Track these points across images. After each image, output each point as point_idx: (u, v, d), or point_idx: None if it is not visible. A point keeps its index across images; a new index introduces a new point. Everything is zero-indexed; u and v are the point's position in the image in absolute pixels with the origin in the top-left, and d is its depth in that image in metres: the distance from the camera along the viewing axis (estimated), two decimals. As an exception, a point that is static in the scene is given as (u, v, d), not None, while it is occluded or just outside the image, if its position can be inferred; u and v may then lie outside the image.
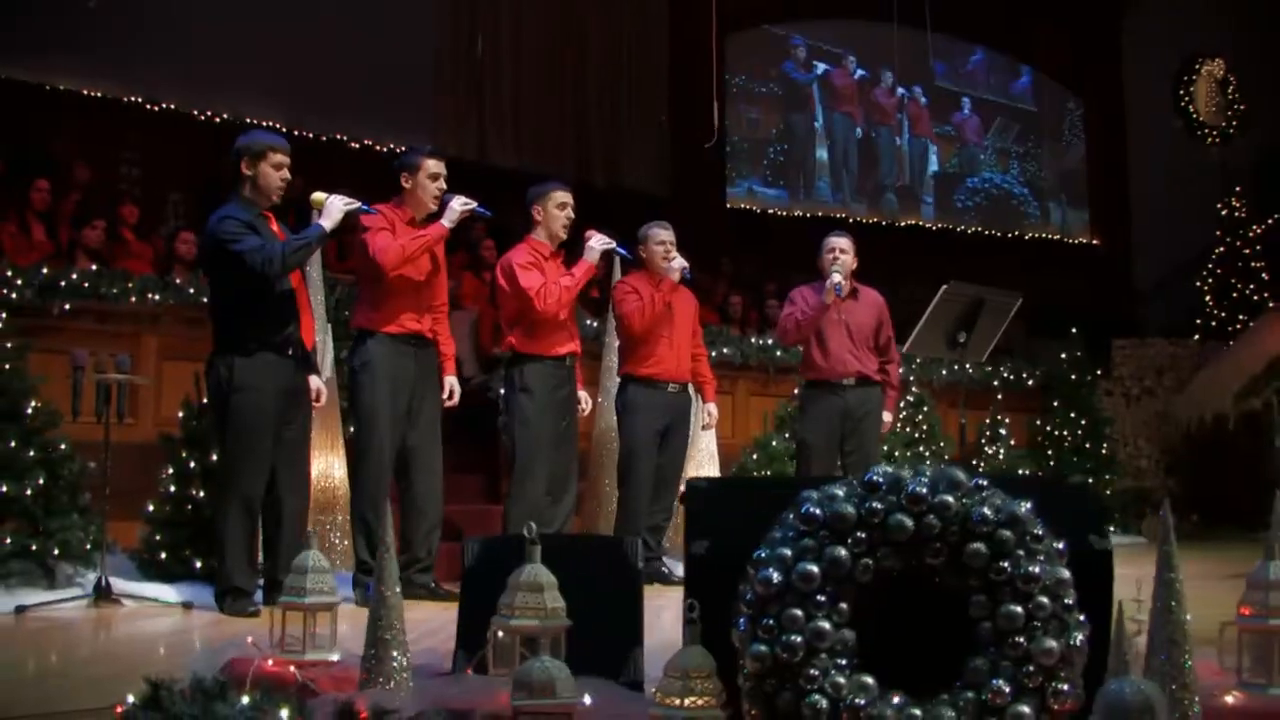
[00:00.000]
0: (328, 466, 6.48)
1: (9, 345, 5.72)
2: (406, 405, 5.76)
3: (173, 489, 5.91)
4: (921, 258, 13.57)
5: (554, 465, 6.15)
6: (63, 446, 5.77)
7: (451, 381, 6.00)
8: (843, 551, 2.36)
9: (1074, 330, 10.29)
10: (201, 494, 5.84)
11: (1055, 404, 10.12)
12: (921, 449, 8.86)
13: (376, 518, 5.75)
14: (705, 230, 13.69)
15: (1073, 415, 10.02)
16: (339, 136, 12.67)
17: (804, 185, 15.43)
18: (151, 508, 5.93)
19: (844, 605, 2.36)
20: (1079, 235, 16.44)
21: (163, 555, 5.82)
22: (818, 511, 2.39)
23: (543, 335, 6.06)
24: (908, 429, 8.96)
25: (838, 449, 6.59)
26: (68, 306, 6.36)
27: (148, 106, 11.25)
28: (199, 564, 5.80)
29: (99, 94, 10.97)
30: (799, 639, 2.32)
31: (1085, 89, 16.34)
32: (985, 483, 2.43)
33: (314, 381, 5.61)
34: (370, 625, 2.86)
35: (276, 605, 3.21)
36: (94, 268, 6.66)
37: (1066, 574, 2.35)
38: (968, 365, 9.94)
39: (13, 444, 5.58)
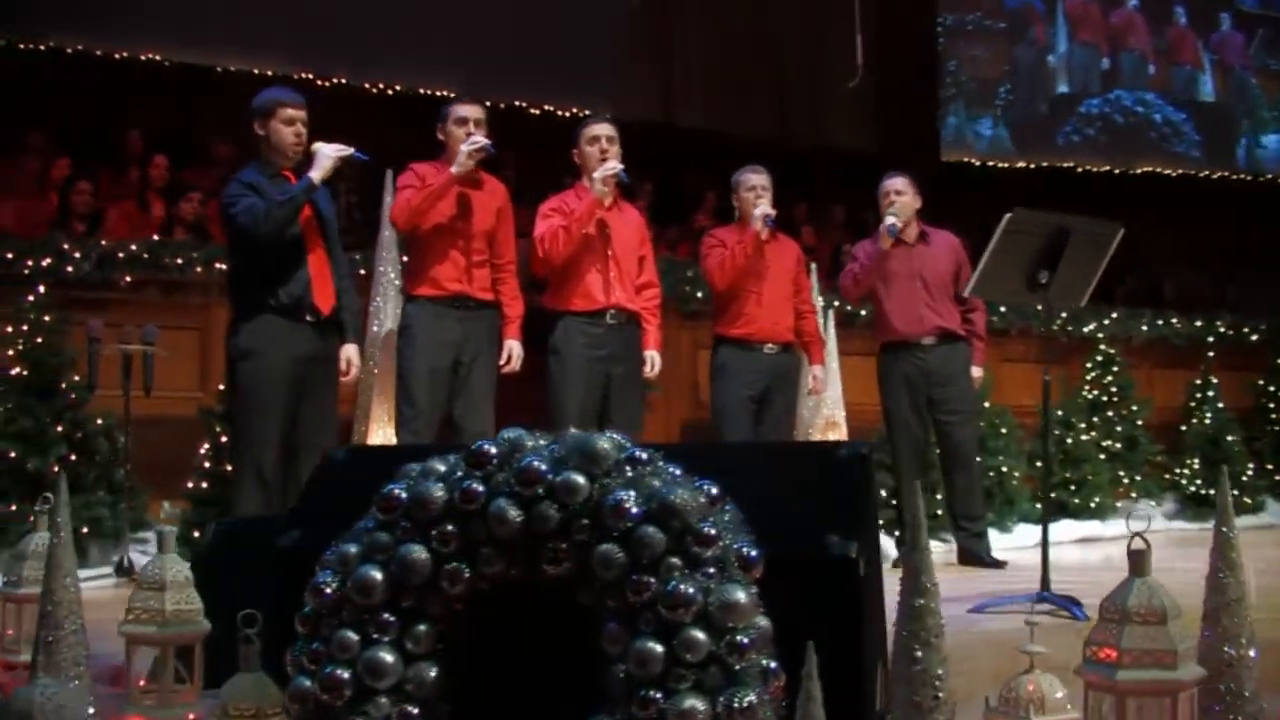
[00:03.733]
0: (386, 440, 6.07)
1: (46, 319, 5.56)
2: (450, 373, 5.24)
3: (207, 465, 5.65)
4: (1177, 209, 11.91)
5: None
6: (99, 421, 5.59)
7: (511, 345, 5.43)
8: (421, 551, 1.63)
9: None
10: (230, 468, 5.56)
11: (1280, 362, 8.56)
12: (1110, 414, 7.61)
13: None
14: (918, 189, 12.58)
15: (1303, 375, 8.44)
16: (519, 103, 12.36)
17: (1032, 130, 13.89)
18: (191, 484, 5.69)
19: (423, 628, 1.63)
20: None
21: (196, 534, 5.57)
22: (402, 494, 1.67)
23: (570, 287, 5.36)
24: (1094, 391, 7.72)
25: (928, 417, 5.68)
26: (128, 279, 6.19)
27: (318, 83, 11.26)
28: (233, 542, 5.52)
29: (269, 72, 11.07)
30: (346, 673, 1.61)
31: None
32: (646, 455, 1.63)
33: (346, 350, 5.15)
34: (38, 623, 2.34)
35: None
36: (155, 238, 6.49)
37: (742, 597, 1.52)
38: (1174, 320, 8.51)
39: (51, 420, 5.45)
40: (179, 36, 10.42)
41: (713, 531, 1.56)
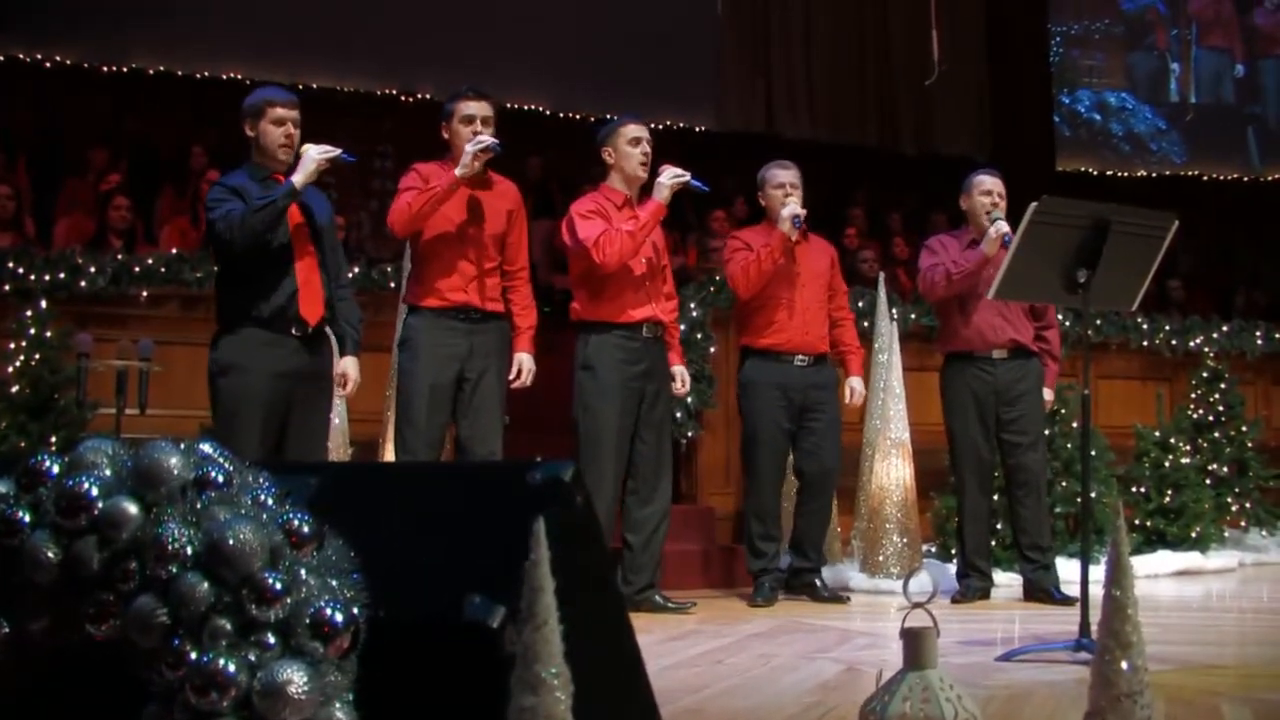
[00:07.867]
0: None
1: (48, 335, 5.41)
2: (455, 389, 4.86)
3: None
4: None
5: (639, 458, 5.07)
6: (102, 441, 5.41)
7: (522, 358, 5.03)
8: (-56, 602, 1.25)
9: None
10: (232, 490, 5.31)
11: None
12: (1217, 434, 6.85)
13: None
14: (1031, 198, 11.85)
15: None
16: (610, 117, 12.00)
17: (1152, 138, 12.91)
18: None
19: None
20: None
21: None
22: (-60, 524, 1.29)
23: (610, 297, 4.99)
24: (1200, 410, 6.96)
25: (993, 437, 5.18)
26: (145, 294, 6.03)
27: (403, 99, 11.17)
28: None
29: (354, 89, 11.02)
30: None
31: None
32: (225, 475, 1.20)
33: (343, 364, 4.80)
34: None
35: None
36: (175, 251, 6.32)
37: (296, 681, 1.08)
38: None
39: (44, 439, 5.28)
40: (260, 56, 10.42)
41: (278, 585, 1.13)
